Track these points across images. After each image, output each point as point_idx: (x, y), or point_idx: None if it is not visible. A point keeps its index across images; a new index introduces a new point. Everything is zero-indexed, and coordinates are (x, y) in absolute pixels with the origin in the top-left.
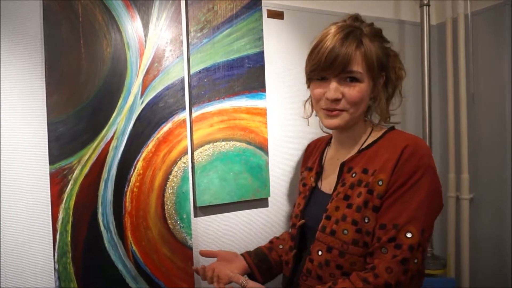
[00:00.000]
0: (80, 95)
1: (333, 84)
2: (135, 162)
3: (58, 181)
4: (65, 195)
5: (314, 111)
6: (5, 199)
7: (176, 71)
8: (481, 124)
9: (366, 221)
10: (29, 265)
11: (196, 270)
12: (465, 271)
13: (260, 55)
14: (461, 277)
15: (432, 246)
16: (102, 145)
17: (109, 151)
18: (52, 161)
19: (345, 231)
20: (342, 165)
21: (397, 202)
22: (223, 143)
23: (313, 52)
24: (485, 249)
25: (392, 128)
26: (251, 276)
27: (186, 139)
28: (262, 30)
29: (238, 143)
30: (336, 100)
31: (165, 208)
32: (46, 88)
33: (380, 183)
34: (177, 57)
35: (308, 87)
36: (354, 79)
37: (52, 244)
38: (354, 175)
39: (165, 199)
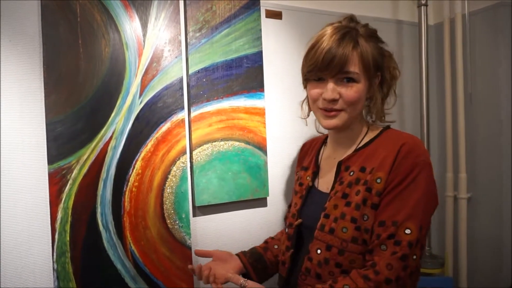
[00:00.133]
0: (79, 95)
1: (330, 85)
2: (134, 162)
3: (56, 181)
4: (64, 195)
5: (312, 111)
6: (4, 199)
7: (174, 71)
8: (479, 124)
9: (365, 218)
10: (28, 264)
11: (192, 269)
12: (463, 270)
13: (259, 55)
14: (459, 276)
15: (430, 245)
16: (100, 145)
17: (107, 151)
18: (50, 161)
19: (344, 229)
20: (340, 164)
21: (395, 200)
22: (222, 142)
23: (309, 53)
24: (482, 248)
25: (388, 127)
26: (246, 276)
27: (184, 139)
28: (260, 30)
29: (236, 143)
30: (334, 101)
31: (164, 207)
32: (45, 88)
33: (379, 181)
34: (176, 57)
35: (305, 87)
36: (351, 80)
37: (51, 244)
38: (352, 173)
39: (164, 199)
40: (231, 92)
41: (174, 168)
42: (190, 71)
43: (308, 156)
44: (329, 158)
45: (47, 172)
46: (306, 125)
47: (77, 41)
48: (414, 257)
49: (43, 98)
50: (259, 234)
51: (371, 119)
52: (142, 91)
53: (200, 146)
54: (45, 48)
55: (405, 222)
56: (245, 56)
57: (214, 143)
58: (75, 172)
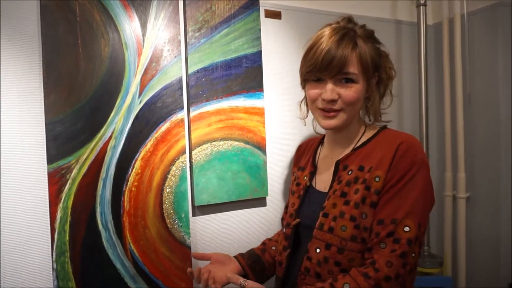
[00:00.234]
0: (78, 94)
1: (329, 85)
2: (133, 161)
3: (56, 181)
4: (63, 195)
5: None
6: (3, 198)
7: (174, 70)
8: (478, 124)
9: (364, 217)
10: (27, 264)
11: (191, 272)
12: (461, 270)
13: (258, 55)
14: (457, 275)
15: (429, 244)
16: (100, 144)
17: (107, 151)
18: (50, 160)
19: (344, 228)
20: (338, 163)
21: (394, 198)
22: (221, 142)
23: (308, 53)
24: (481, 248)
25: (385, 127)
26: (245, 278)
27: (184, 139)
28: (259, 30)
29: (236, 143)
30: (333, 101)
31: (164, 207)
32: (44, 88)
33: (377, 179)
34: (175, 56)
35: (303, 88)
36: (349, 80)
37: (50, 244)
38: (350, 172)
39: (163, 199)
40: (230, 92)
41: (174, 168)
42: (190, 71)
43: (304, 157)
44: (327, 158)
45: (46, 171)
46: (305, 125)
47: (77, 40)
48: (413, 254)
49: (43, 98)
50: (258, 234)
51: (368, 119)
52: (142, 91)
53: (199, 146)
54: (44, 48)
55: (404, 220)
56: (244, 56)
57: (213, 143)
58: (74, 171)
